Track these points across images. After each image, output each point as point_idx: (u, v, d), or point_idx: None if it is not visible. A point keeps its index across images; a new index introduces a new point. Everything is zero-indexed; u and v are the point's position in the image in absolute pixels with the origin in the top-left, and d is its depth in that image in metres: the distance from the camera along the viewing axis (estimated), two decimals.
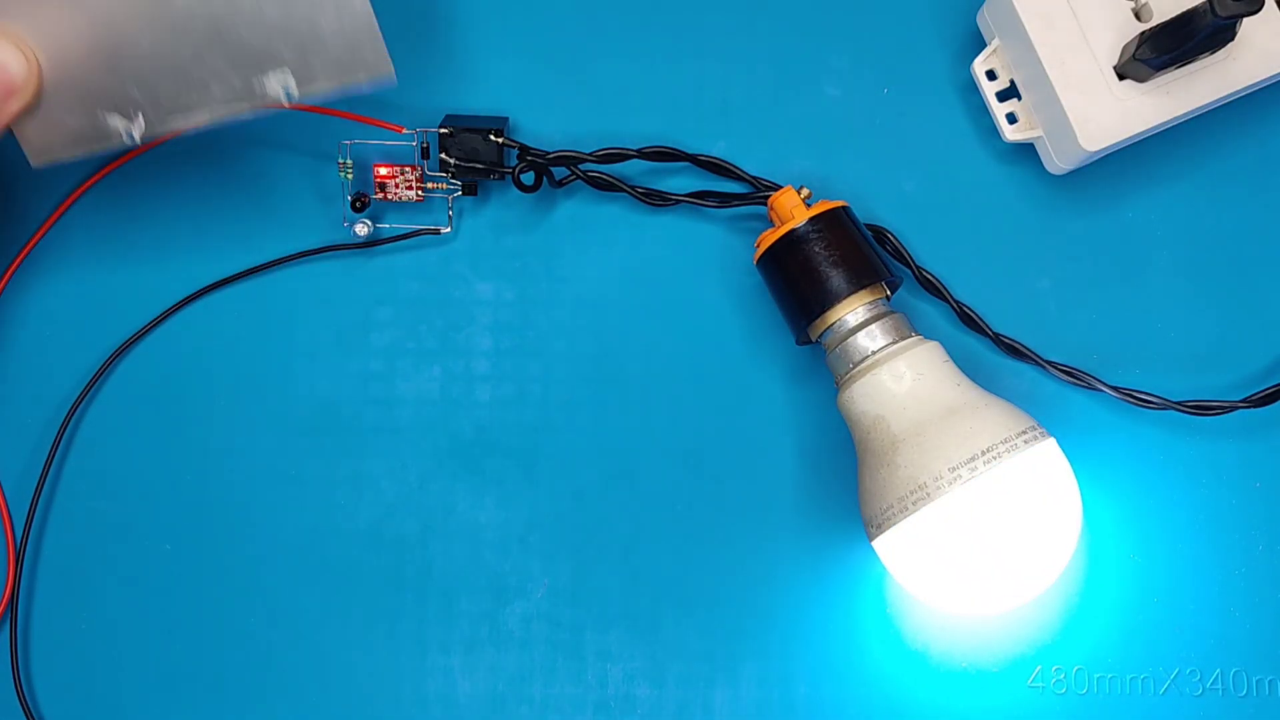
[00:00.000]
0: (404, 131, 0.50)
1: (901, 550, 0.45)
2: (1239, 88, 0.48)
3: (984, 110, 0.51)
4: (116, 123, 0.45)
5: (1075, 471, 0.46)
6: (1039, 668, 0.51)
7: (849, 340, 0.47)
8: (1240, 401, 0.50)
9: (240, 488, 0.52)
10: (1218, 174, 0.52)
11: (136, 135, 0.45)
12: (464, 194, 0.51)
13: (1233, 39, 0.47)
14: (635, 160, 0.51)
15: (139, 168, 0.52)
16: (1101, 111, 0.48)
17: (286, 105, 0.45)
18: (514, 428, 0.52)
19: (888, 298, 0.48)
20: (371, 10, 0.44)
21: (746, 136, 0.52)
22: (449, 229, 0.52)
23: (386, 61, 0.45)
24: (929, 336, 0.47)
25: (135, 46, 0.44)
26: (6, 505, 0.52)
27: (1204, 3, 0.43)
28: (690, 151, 0.51)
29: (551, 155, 0.50)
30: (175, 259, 0.52)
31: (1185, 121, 0.49)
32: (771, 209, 0.49)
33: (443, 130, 0.50)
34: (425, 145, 0.51)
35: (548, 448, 0.52)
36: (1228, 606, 0.51)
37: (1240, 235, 0.52)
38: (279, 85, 0.45)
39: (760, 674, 0.51)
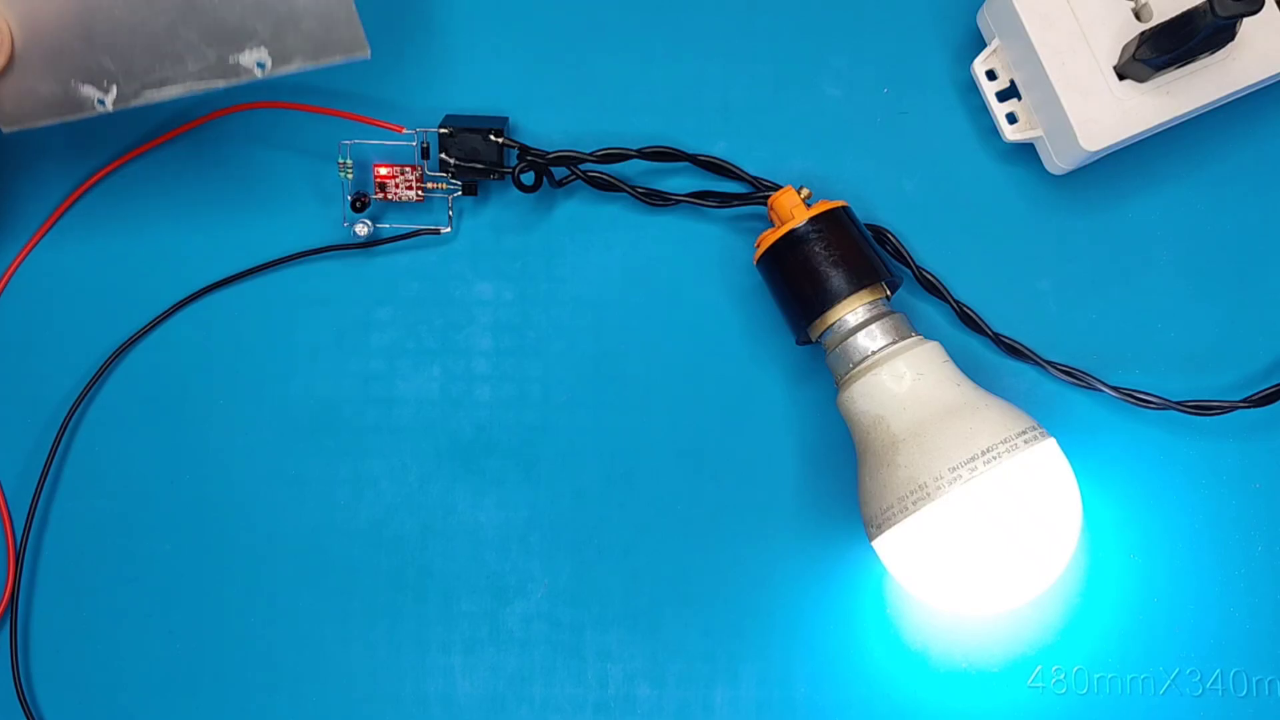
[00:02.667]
0: (404, 131, 0.50)
1: (901, 550, 0.45)
2: (1239, 88, 0.48)
3: (984, 110, 0.51)
4: (89, 91, 0.45)
5: (1075, 471, 0.46)
6: (1039, 668, 0.51)
7: (849, 340, 0.47)
8: (1240, 401, 0.50)
9: (240, 488, 0.52)
10: (1218, 174, 0.52)
11: (109, 103, 0.45)
12: (464, 194, 0.51)
13: (1233, 39, 0.47)
14: (635, 160, 0.51)
15: (139, 168, 0.52)
16: (1101, 111, 0.48)
17: (259, 76, 0.45)
18: (514, 428, 0.52)
19: (888, 298, 0.48)
20: None
21: (746, 136, 0.52)
22: (449, 229, 0.52)
23: (362, 40, 0.45)
24: (929, 336, 0.47)
25: (109, 18, 0.44)
26: (6, 505, 0.52)
27: (1204, 3, 0.43)
28: (690, 151, 0.51)
29: (551, 155, 0.50)
30: (175, 259, 0.52)
31: (1185, 121, 0.49)
32: (771, 209, 0.49)
33: (443, 130, 0.50)
34: (425, 145, 0.51)
35: (548, 448, 0.52)
36: (1228, 606, 0.51)
37: (1240, 235, 0.52)
38: (253, 60, 0.45)
39: (760, 674, 0.51)
